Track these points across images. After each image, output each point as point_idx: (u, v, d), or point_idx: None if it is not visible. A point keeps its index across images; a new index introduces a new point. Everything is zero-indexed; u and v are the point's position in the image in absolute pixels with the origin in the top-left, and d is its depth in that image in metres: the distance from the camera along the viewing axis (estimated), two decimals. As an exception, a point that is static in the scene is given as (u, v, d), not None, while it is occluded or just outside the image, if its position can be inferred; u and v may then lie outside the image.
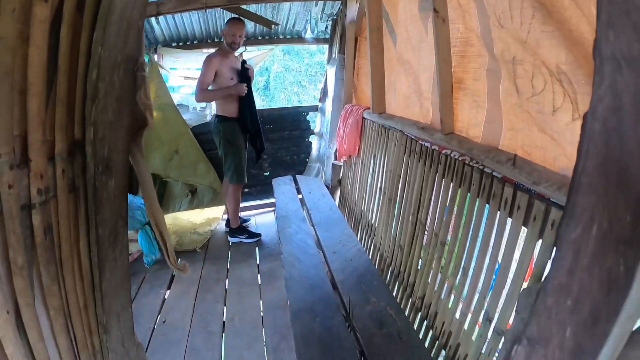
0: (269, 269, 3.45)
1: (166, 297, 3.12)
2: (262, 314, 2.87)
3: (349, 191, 3.61)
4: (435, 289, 2.03)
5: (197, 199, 4.23)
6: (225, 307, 2.96)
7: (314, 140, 4.63)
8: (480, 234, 1.75)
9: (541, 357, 0.61)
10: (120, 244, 1.25)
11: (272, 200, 4.63)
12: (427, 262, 2.11)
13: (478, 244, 1.76)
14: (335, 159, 4.06)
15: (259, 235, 3.96)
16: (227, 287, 3.23)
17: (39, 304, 0.95)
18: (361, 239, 3.18)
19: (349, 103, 3.96)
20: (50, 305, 0.99)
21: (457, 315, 1.84)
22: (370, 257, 2.80)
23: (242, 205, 4.60)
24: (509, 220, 1.56)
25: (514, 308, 1.46)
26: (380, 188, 2.83)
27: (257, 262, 3.60)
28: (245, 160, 3.58)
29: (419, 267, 2.23)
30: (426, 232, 2.18)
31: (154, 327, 2.76)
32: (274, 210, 4.63)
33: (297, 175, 4.11)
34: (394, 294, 2.35)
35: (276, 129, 4.47)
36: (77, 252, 1.09)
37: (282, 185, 3.84)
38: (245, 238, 3.90)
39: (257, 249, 3.82)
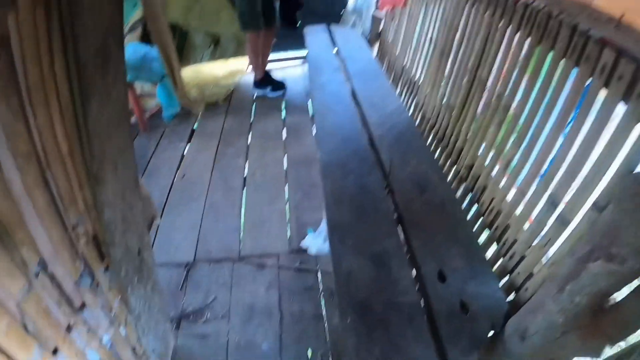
0: (295, 123, 3.14)
1: (185, 152, 2.94)
2: (285, 169, 2.64)
3: (390, 45, 3.01)
4: (488, 161, 1.64)
5: (221, 50, 3.79)
6: (247, 162, 2.75)
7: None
8: (560, 103, 1.29)
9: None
10: (113, 70, 0.90)
11: (302, 52, 4.13)
12: (482, 127, 1.67)
13: (555, 113, 1.31)
14: (377, 9, 3.44)
15: (283, 86, 3.58)
16: (249, 141, 2.98)
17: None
18: (401, 94, 2.71)
19: None
20: (17, 151, 0.69)
21: (511, 195, 1.47)
22: (410, 115, 2.39)
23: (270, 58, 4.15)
24: (603, 92, 1.10)
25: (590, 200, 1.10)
26: (431, 40, 2.29)
27: (283, 115, 3.28)
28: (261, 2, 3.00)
29: (469, 133, 1.81)
30: (485, 93, 1.71)
31: (172, 183, 2.61)
32: (304, 64, 4.16)
33: (332, 25, 3.51)
34: (436, 159, 1.99)
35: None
36: (52, 78, 0.75)
37: (316, 34, 3.30)
38: (271, 91, 3.54)
39: (283, 102, 3.47)
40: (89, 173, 0.91)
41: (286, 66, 4.17)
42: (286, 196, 2.41)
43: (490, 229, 1.54)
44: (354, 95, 2.15)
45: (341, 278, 1.20)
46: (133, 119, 3.18)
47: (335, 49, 2.88)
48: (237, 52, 3.85)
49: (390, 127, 1.86)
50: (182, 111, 3.30)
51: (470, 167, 1.75)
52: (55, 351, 0.81)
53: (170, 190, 2.55)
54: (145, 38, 3.23)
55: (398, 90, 2.72)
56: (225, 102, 3.54)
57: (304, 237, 2.11)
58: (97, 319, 1.00)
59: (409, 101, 2.54)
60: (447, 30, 2.06)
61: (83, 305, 0.93)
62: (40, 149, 0.75)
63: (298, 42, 3.99)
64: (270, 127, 3.11)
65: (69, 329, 0.87)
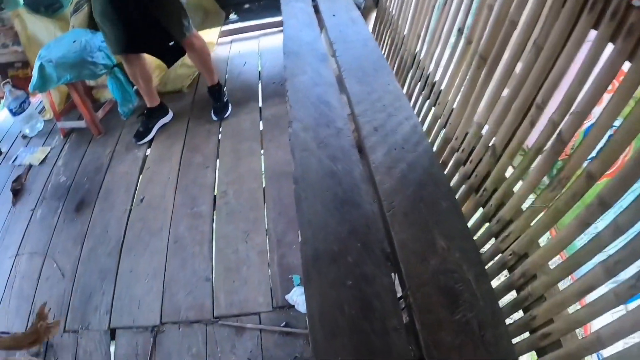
0: (273, 115, 2.61)
1: (146, 161, 2.46)
2: (263, 183, 2.18)
3: (394, 19, 2.31)
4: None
5: (181, 20, 3.17)
6: (216, 174, 2.28)
7: None
8: None
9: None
10: None
11: (278, 18, 3.48)
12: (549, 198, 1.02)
13: None
14: None
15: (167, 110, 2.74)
16: (219, 142, 2.49)
17: None
18: (410, 95, 2.01)
19: None
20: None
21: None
22: (427, 134, 1.72)
23: (242, 25, 3.52)
24: None
25: None
26: (461, 31, 1.55)
27: (260, 104, 2.75)
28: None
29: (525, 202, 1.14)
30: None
31: (129, 211, 2.17)
32: (282, 31, 3.53)
33: None
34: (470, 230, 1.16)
35: None
36: None
37: (294, 2, 2.64)
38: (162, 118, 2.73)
39: (259, 86, 2.92)
40: None
41: (263, 34, 3.54)
42: (265, 225, 1.97)
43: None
44: (349, 105, 1.59)
45: None
46: (83, 124, 2.66)
47: (321, 27, 2.30)
48: (205, 23, 3.23)
49: (405, 170, 1.24)
50: (140, 102, 2.77)
51: (523, 256, 1.10)
52: None
53: (127, 221, 2.11)
54: (93, 21, 2.63)
55: (407, 88, 2.10)
56: (191, 88, 2.99)
57: (289, 287, 1.71)
58: None
59: (423, 108, 1.86)
60: (496, 25, 1.26)
61: None
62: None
63: (275, 6, 3.37)
64: (244, 122, 2.59)
65: None
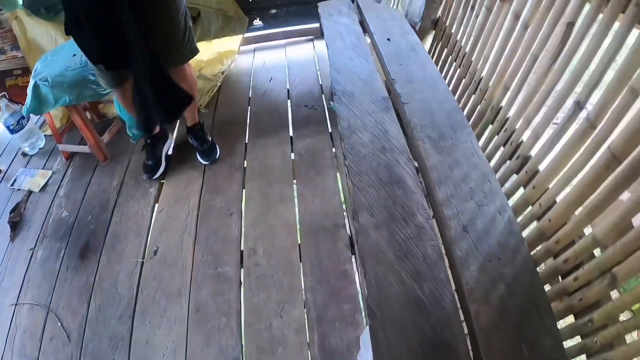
0: (308, 149, 2.28)
1: (159, 199, 2.15)
2: (298, 239, 1.87)
3: (462, 50, 1.92)
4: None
5: (201, 27, 2.80)
6: (242, 225, 1.97)
7: None
8: None
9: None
10: None
11: (309, 26, 3.13)
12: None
13: None
14: None
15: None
16: (244, 182, 2.17)
17: None
18: (488, 158, 1.56)
19: None
20: None
21: None
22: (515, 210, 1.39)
23: (267, 32, 3.16)
24: None
25: None
26: (579, 105, 1.17)
27: (290, 132, 2.42)
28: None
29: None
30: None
31: (142, 265, 1.87)
32: (312, 40, 3.18)
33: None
34: None
35: None
36: None
37: (336, 16, 2.25)
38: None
39: (289, 108, 2.58)
40: None
41: (290, 42, 3.19)
42: (303, 295, 1.67)
43: None
44: (428, 186, 1.24)
45: None
46: (87, 148, 2.35)
47: (368, 42, 1.95)
48: (225, 30, 2.88)
49: (504, 294, 0.95)
50: None
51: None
52: None
53: (140, 278, 1.82)
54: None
55: (483, 141, 1.71)
56: (209, 108, 2.65)
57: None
58: None
59: (507, 181, 1.52)
60: (619, 80, 0.99)
61: None
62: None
63: (304, 12, 3.01)
64: (273, 157, 2.26)
65: None
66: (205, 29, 2.82)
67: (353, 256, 1.76)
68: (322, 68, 2.83)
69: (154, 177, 2.20)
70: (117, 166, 2.36)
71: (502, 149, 1.57)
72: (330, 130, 2.37)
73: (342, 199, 2.00)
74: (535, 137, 1.36)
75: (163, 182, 2.23)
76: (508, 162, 1.51)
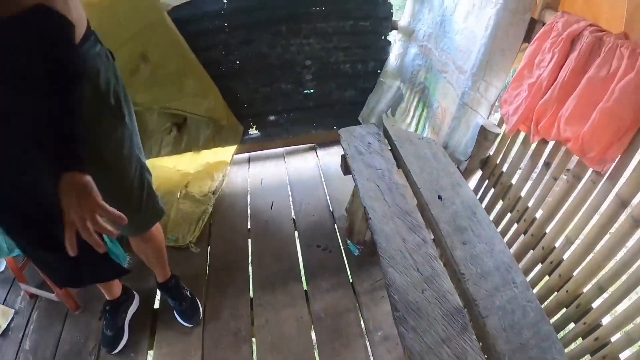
0: (329, 310, 1.85)
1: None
2: None
3: (523, 204, 1.63)
4: None
5: (188, 136, 2.40)
6: None
7: (395, 39, 2.47)
8: None
9: None
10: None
11: (313, 137, 2.80)
12: None
13: None
14: (490, 114, 1.76)
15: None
16: (254, 354, 1.72)
17: None
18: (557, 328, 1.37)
19: (553, 10, 1.47)
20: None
21: None
22: None
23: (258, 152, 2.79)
24: None
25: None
26: None
27: (304, 286, 2.00)
28: None
29: None
30: None
31: None
32: (315, 148, 2.85)
33: (386, 125, 1.95)
34: None
35: (330, 15, 2.28)
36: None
37: (367, 154, 1.85)
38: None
39: (298, 248, 2.17)
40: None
41: (286, 151, 2.84)
42: None
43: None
44: None
45: None
46: (54, 296, 1.83)
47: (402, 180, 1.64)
48: (215, 140, 2.49)
49: None
50: (134, 260, 1.95)
51: None
52: None
53: None
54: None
55: (563, 335, 1.38)
56: (201, 244, 2.19)
57: None
58: None
59: None
60: None
61: None
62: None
63: (309, 119, 2.69)
64: (286, 323, 1.81)
65: None
66: (192, 138, 2.42)
67: None
68: (330, 189, 2.48)
69: (113, 352, 1.70)
70: (93, 319, 1.84)
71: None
72: (351, 281, 1.99)
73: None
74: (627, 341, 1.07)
75: (151, 352, 1.73)
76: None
